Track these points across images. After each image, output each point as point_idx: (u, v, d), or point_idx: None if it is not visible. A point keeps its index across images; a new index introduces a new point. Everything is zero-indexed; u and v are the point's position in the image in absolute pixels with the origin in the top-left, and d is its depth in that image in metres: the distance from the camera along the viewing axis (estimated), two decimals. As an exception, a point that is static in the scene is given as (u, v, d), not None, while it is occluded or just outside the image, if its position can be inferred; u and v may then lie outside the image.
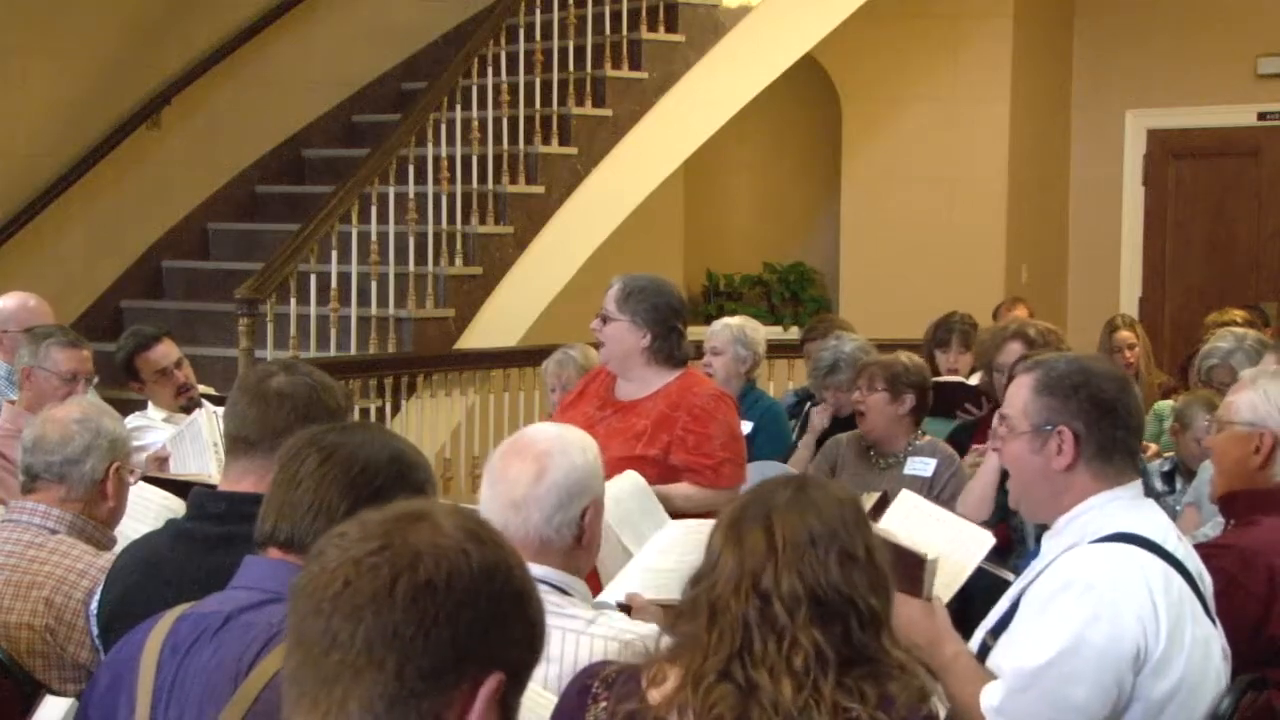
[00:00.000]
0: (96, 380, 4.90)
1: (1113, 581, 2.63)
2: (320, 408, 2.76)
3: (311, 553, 1.44)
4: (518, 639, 1.42)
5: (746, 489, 2.23)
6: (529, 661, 1.45)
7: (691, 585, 2.13)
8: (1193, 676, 2.64)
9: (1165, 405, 5.94)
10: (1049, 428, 2.72)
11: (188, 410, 4.99)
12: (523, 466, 2.65)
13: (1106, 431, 2.72)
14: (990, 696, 2.64)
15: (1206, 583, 2.77)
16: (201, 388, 5.34)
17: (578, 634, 2.60)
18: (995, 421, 2.90)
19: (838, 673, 1.99)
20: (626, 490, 3.89)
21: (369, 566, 1.37)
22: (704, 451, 4.26)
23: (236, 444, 2.78)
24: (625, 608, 3.00)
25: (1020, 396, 2.78)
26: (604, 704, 2.06)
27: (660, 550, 3.33)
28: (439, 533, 1.40)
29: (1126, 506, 2.74)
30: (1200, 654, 2.65)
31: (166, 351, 5.16)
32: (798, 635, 1.98)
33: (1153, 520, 2.75)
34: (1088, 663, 2.58)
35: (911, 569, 2.99)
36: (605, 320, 4.36)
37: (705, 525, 3.27)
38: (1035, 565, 2.83)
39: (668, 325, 4.34)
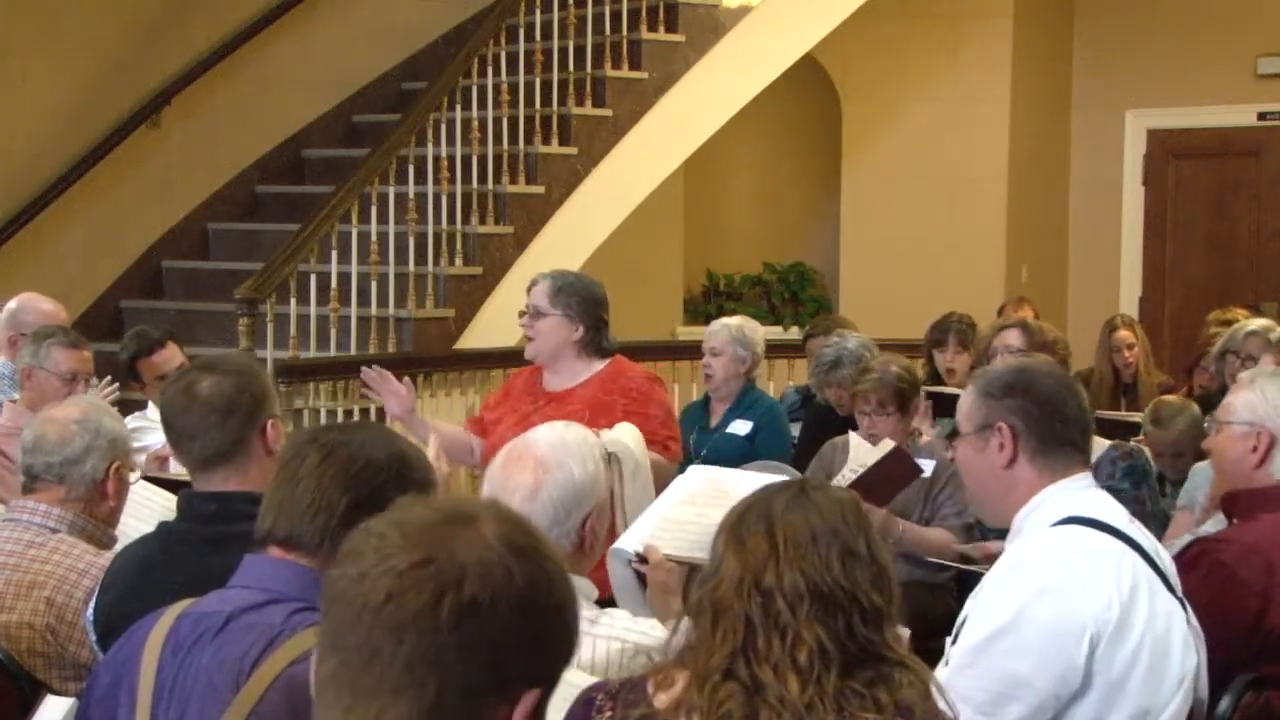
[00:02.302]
0: (95, 381, 4.91)
1: (1059, 559, 2.68)
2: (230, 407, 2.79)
3: (344, 550, 1.40)
4: (555, 653, 1.41)
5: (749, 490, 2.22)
6: (562, 670, 1.44)
7: (697, 588, 2.12)
8: (1156, 643, 2.66)
9: (1164, 405, 5.94)
10: (988, 426, 2.82)
11: None
12: (521, 477, 2.63)
13: (1045, 425, 2.80)
14: (938, 676, 2.66)
15: (1165, 560, 2.81)
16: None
17: (579, 634, 2.60)
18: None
19: (844, 672, 1.99)
20: (635, 437, 4.00)
21: (412, 581, 1.33)
22: (648, 430, 4.34)
23: (206, 463, 2.80)
24: (642, 559, 3.00)
25: (964, 403, 2.89)
26: (609, 714, 2.05)
27: (679, 500, 3.31)
28: (484, 544, 1.36)
29: (1077, 495, 2.79)
30: (1163, 624, 2.68)
31: (169, 357, 5.17)
32: (801, 631, 1.98)
33: (1103, 504, 2.81)
34: (1030, 636, 2.61)
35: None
36: (536, 315, 4.47)
37: (729, 474, 3.27)
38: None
39: (597, 318, 4.52)
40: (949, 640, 2.82)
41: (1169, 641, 2.69)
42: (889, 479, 4.58)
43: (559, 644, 1.41)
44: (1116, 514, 2.79)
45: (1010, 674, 2.61)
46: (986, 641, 2.64)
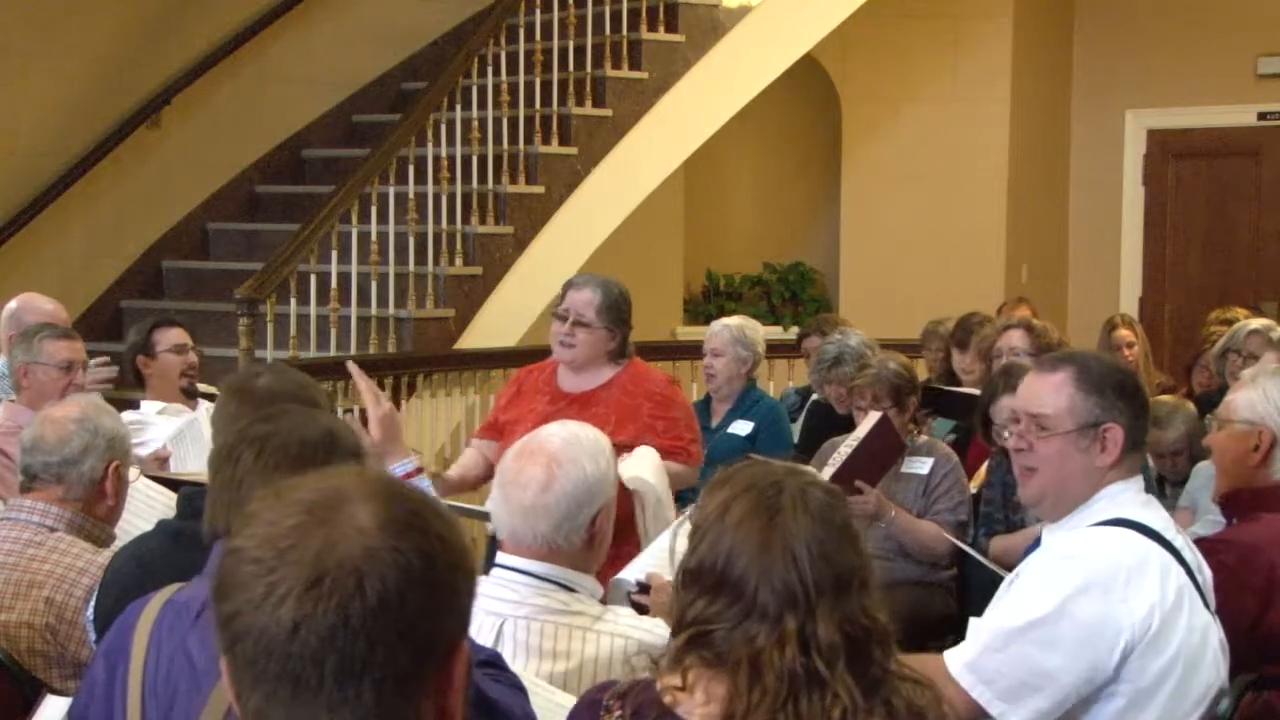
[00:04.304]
0: (92, 365, 4.94)
1: (1111, 560, 2.64)
2: (309, 402, 2.82)
3: (220, 582, 1.31)
4: (468, 602, 1.37)
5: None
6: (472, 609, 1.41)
7: (709, 595, 2.00)
8: (1189, 658, 2.63)
9: (1164, 405, 5.94)
10: (1096, 426, 2.73)
11: (189, 394, 5.10)
12: (533, 472, 2.64)
13: (1140, 431, 2.77)
14: (963, 652, 2.64)
15: (1206, 576, 2.78)
16: (203, 387, 5.37)
17: (584, 630, 2.61)
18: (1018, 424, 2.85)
19: (869, 708, 1.93)
20: (655, 466, 4.16)
21: (313, 602, 1.27)
22: (674, 435, 4.45)
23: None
24: (644, 586, 3.00)
25: (1062, 394, 2.76)
26: (618, 714, 2.02)
27: (683, 534, 3.33)
28: (365, 534, 1.30)
29: (1133, 499, 2.76)
30: (1198, 639, 2.66)
31: (182, 333, 5.30)
32: (836, 687, 1.92)
33: (1155, 512, 2.77)
34: (1067, 633, 2.59)
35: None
36: (579, 324, 4.45)
37: None
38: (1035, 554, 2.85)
39: (629, 327, 4.56)
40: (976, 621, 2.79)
41: (1202, 657, 2.66)
42: (879, 454, 4.62)
43: (469, 593, 1.37)
44: (1166, 523, 2.76)
45: (1038, 667, 2.59)
46: (1022, 629, 2.61)
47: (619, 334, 4.50)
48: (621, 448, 4.18)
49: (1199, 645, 2.66)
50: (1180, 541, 2.74)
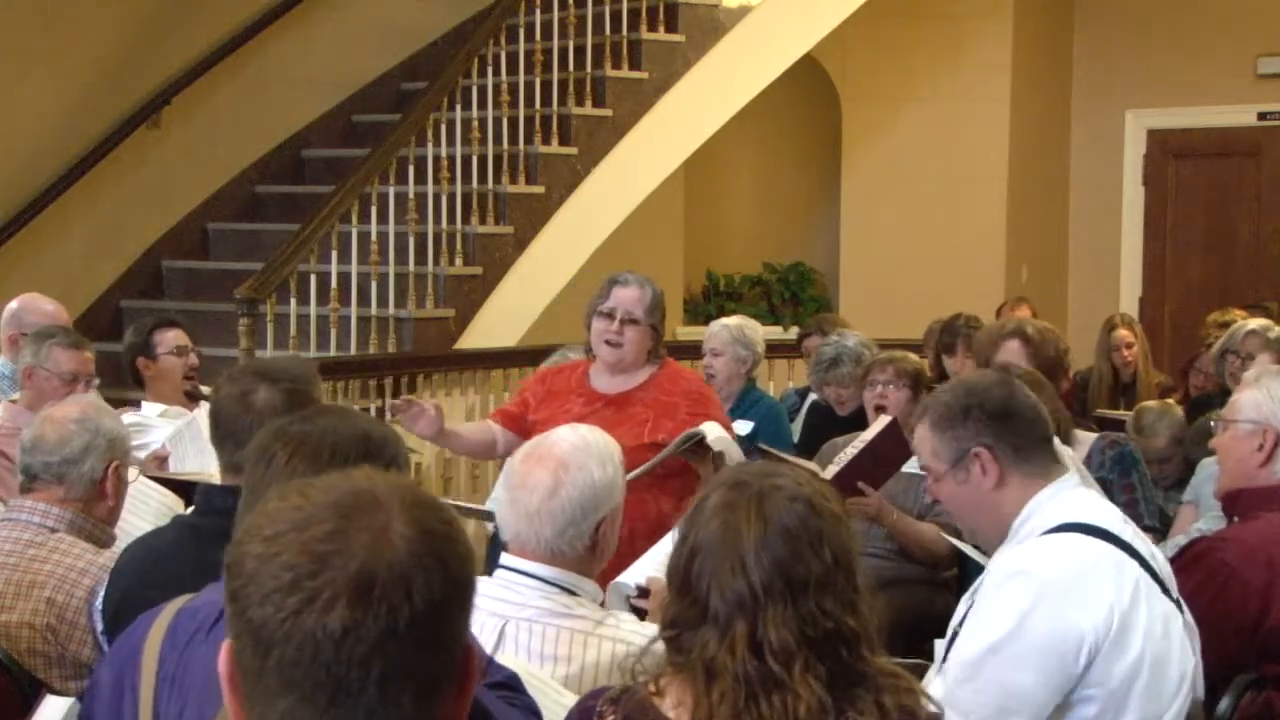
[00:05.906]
0: (98, 382, 4.91)
1: (1058, 568, 2.65)
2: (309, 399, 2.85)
3: (249, 582, 1.29)
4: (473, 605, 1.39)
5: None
6: None
7: (678, 597, 2.03)
8: (1156, 651, 2.63)
9: (1163, 406, 5.94)
10: (963, 456, 2.80)
11: (191, 397, 5.08)
12: (540, 477, 2.63)
13: (1013, 432, 2.80)
14: (935, 693, 2.63)
15: (1160, 562, 2.79)
16: (202, 388, 5.36)
17: (585, 635, 2.61)
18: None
19: (840, 699, 1.95)
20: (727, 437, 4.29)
21: (365, 608, 1.27)
22: None
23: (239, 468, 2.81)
24: (644, 591, 3.00)
25: (927, 442, 2.87)
26: (611, 719, 2.03)
27: None
28: (408, 540, 1.30)
29: (1070, 498, 2.78)
30: (1161, 629, 2.66)
31: (182, 334, 5.28)
32: (796, 688, 1.93)
33: (1098, 507, 2.80)
34: (1031, 649, 2.59)
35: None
36: (629, 322, 4.42)
37: None
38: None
39: (663, 326, 4.56)
40: (941, 643, 2.81)
41: (1168, 648, 2.67)
42: (884, 460, 4.62)
43: (475, 584, 1.39)
44: (1111, 518, 2.77)
45: (1011, 688, 2.60)
46: (986, 654, 2.61)
47: (659, 331, 4.51)
48: (658, 447, 4.23)
49: (1163, 636, 2.66)
50: (1130, 533, 2.75)
